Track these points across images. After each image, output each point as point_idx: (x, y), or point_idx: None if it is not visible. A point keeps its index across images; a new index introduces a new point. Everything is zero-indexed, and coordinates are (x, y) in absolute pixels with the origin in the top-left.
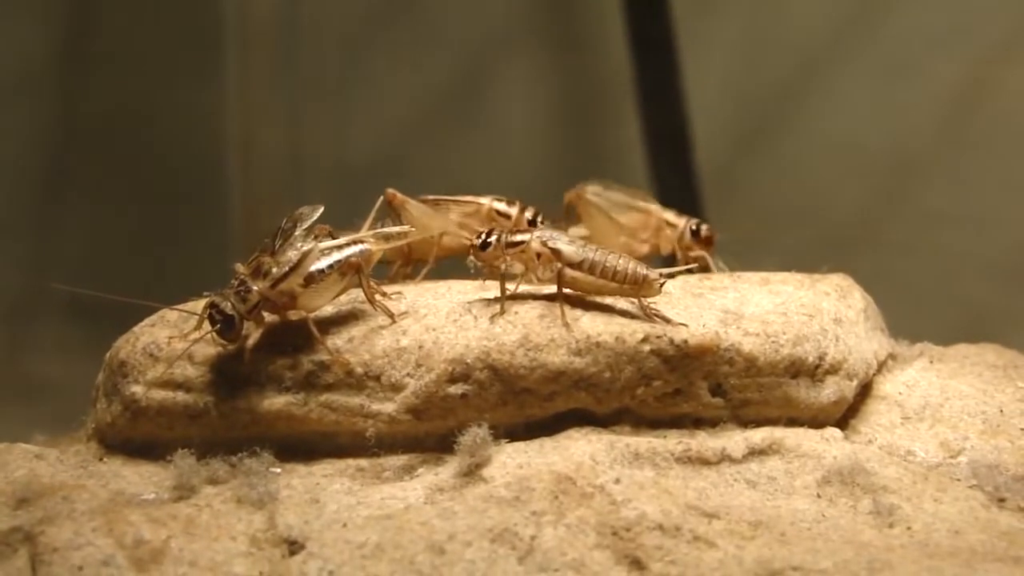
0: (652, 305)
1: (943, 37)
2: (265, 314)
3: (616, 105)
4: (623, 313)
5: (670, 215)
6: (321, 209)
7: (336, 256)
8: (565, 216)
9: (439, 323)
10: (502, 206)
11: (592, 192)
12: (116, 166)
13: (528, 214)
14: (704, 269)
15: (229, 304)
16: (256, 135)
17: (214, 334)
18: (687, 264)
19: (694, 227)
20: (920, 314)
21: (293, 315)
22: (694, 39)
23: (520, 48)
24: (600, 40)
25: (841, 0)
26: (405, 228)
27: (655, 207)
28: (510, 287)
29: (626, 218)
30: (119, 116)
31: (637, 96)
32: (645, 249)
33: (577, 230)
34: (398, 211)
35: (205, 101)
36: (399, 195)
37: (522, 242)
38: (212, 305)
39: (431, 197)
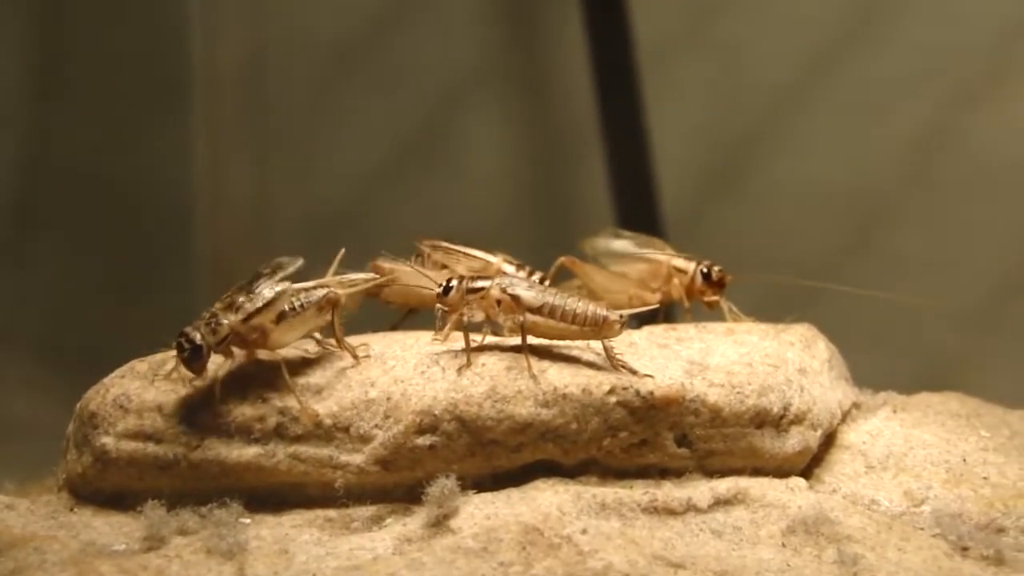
0: (619, 356)
1: (908, 82)
2: (235, 350)
3: (583, 149)
4: (590, 365)
5: (679, 261)
6: (300, 261)
7: (307, 297)
8: (553, 277)
9: (407, 374)
10: (510, 268)
11: (597, 245)
12: (81, 213)
13: (535, 277)
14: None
15: (199, 334)
16: (223, 180)
17: (181, 364)
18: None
19: (704, 270)
20: (884, 362)
21: (263, 355)
22: (659, 85)
23: (488, 94)
24: (567, 85)
25: (805, 45)
26: (369, 275)
27: (663, 255)
28: (476, 338)
29: (634, 269)
30: (85, 162)
31: (603, 141)
32: (657, 298)
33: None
34: (428, 257)
35: (173, 147)
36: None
37: (482, 288)
38: (181, 334)
39: (444, 244)
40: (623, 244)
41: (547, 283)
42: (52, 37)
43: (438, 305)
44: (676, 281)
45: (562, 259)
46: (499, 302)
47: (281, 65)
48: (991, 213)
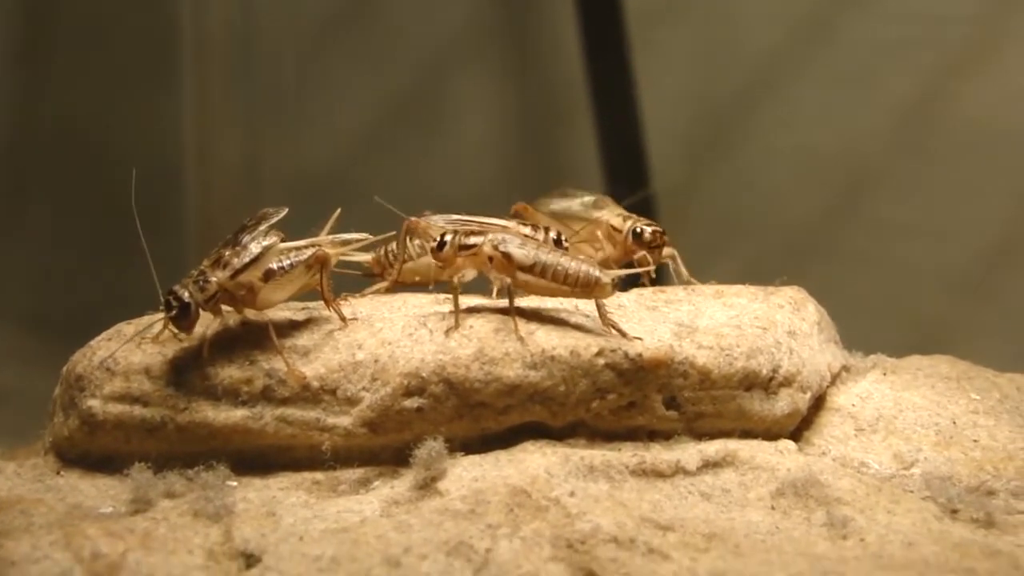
0: (610, 315)
1: (896, 48)
2: (224, 308)
3: (572, 115)
4: (578, 327)
5: (616, 220)
6: (285, 210)
7: (296, 256)
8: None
9: (394, 337)
10: (527, 230)
11: (542, 204)
12: (71, 176)
13: (552, 234)
14: (657, 276)
15: (187, 292)
16: (212, 145)
17: (169, 323)
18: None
19: (637, 230)
20: (874, 325)
21: (251, 315)
22: (648, 50)
23: (477, 58)
24: (556, 50)
25: (795, 11)
26: (363, 235)
27: (605, 213)
28: (467, 301)
29: (578, 227)
30: (74, 126)
31: (592, 106)
32: (600, 257)
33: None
34: (421, 237)
35: (161, 111)
36: (421, 221)
37: (475, 245)
38: (170, 292)
39: (455, 217)
40: (568, 201)
41: (566, 243)
42: (39, 2)
43: (433, 261)
44: (617, 239)
45: (516, 206)
46: (491, 259)
47: (270, 28)
48: (980, 179)
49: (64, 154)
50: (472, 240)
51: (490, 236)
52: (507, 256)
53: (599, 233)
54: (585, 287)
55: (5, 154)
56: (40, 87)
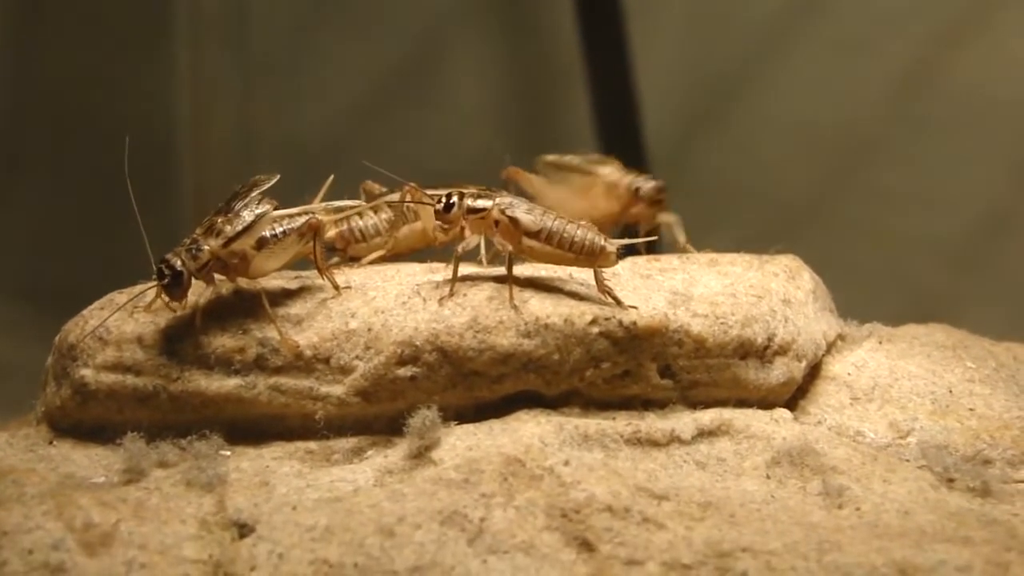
0: (606, 281)
1: (893, 17)
2: (217, 276)
3: (568, 84)
4: (572, 295)
5: (614, 176)
6: (277, 177)
7: (289, 224)
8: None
9: (388, 305)
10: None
11: (545, 158)
12: (65, 145)
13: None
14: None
15: (179, 260)
16: (207, 115)
17: (161, 292)
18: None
19: (637, 185)
20: (869, 295)
21: (244, 283)
22: (644, 20)
23: (471, 27)
24: (551, 19)
25: None
26: (356, 203)
27: (606, 170)
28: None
29: (575, 183)
30: (69, 93)
31: (587, 76)
32: (596, 213)
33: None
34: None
35: (156, 81)
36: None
37: (483, 209)
38: (162, 260)
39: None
40: (571, 155)
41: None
42: None
43: (436, 222)
44: (617, 193)
45: (506, 169)
46: (497, 223)
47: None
48: (975, 149)
49: (57, 125)
50: (481, 203)
51: (497, 200)
52: (514, 221)
53: (597, 189)
54: (590, 255)
55: None
56: (33, 57)
